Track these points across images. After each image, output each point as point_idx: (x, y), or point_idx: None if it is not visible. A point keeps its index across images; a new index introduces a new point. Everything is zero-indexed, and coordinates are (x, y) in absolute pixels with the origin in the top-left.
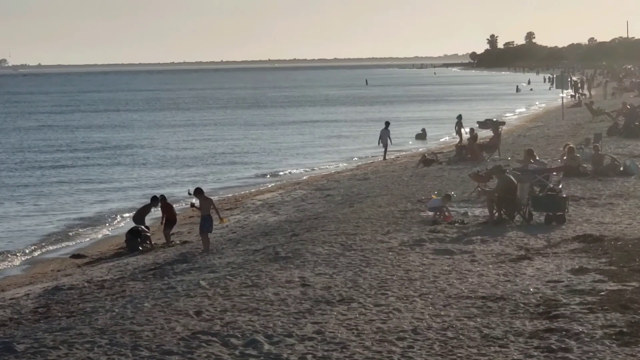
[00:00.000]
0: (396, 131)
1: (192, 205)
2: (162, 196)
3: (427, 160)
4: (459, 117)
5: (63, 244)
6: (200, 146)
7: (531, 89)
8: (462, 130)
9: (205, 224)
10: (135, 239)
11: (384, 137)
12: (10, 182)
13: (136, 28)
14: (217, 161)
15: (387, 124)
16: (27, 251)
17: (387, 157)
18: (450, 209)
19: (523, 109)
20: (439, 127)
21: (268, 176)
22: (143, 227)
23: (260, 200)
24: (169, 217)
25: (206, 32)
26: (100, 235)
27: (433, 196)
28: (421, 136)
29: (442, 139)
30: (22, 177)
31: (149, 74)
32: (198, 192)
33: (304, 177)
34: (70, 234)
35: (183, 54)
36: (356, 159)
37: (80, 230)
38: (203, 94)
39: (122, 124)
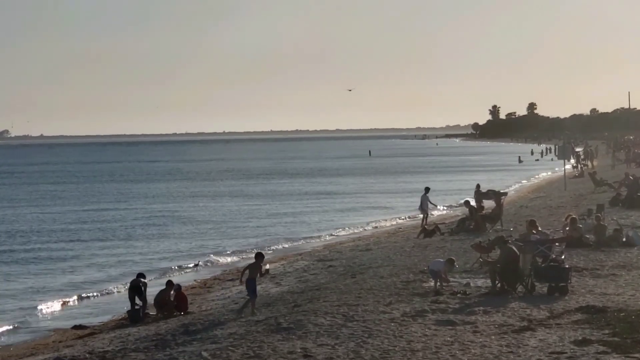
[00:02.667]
0: (399, 202)
1: (267, 271)
2: (178, 285)
3: (428, 231)
4: (478, 187)
5: (64, 315)
6: (201, 217)
7: (537, 159)
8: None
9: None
10: (137, 312)
11: (424, 202)
12: (12, 251)
13: (138, 98)
14: (218, 232)
15: (427, 189)
16: (28, 322)
17: (425, 224)
18: (452, 279)
19: (525, 180)
20: (443, 198)
21: (270, 247)
22: (143, 280)
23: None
24: (182, 308)
25: (208, 103)
26: (101, 306)
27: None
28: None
29: (444, 210)
30: (22, 246)
31: (152, 145)
32: (259, 256)
33: (306, 248)
34: (71, 304)
35: (185, 124)
36: (357, 229)
37: (81, 301)
38: (203, 166)
39: (119, 196)
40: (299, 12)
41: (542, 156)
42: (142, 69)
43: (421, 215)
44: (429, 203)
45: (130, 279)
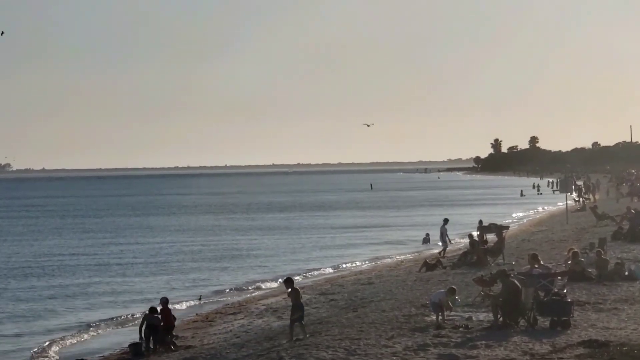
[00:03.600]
0: (401, 236)
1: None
2: (165, 299)
3: (430, 264)
4: (480, 222)
5: (65, 349)
6: (202, 251)
7: (540, 193)
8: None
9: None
10: (139, 346)
11: (444, 234)
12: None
13: (138, 132)
14: (220, 266)
15: (446, 221)
16: (28, 355)
17: (444, 254)
18: (454, 313)
19: (527, 213)
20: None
21: (272, 281)
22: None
23: (264, 305)
24: (167, 323)
25: (210, 136)
26: (102, 340)
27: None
28: (426, 240)
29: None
30: (18, 283)
31: (153, 178)
32: (288, 282)
33: (308, 282)
34: (72, 339)
35: (187, 158)
36: (359, 263)
37: (83, 335)
38: (204, 199)
39: (118, 229)
40: (300, 46)
41: (538, 191)
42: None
43: (441, 246)
44: (447, 236)
45: (130, 312)
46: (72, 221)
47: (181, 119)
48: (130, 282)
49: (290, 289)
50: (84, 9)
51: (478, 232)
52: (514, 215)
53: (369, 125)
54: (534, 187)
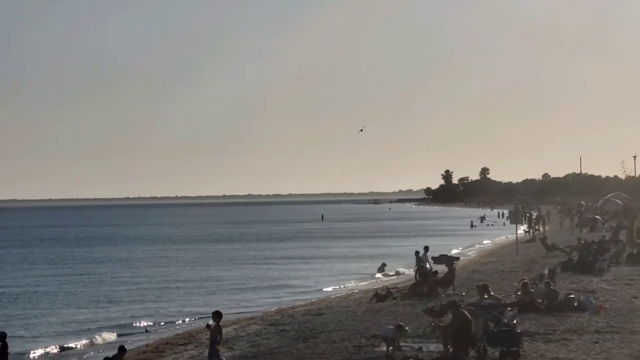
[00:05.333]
0: (351, 266)
1: (208, 326)
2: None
3: (380, 295)
4: (417, 253)
5: None
6: (148, 281)
7: (487, 225)
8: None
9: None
10: None
11: (425, 261)
12: None
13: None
14: (168, 296)
15: (427, 248)
16: None
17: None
18: (404, 344)
19: (477, 244)
20: (394, 263)
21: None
22: None
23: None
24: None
25: (160, 167)
26: None
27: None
28: (380, 270)
29: (395, 275)
30: None
31: (104, 209)
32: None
33: (258, 312)
34: None
35: (138, 189)
36: (309, 293)
37: None
38: (152, 230)
39: (64, 260)
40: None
41: (481, 221)
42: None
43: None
44: (427, 262)
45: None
46: (16, 251)
47: (133, 152)
48: (77, 312)
49: (216, 324)
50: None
51: (415, 263)
52: (464, 246)
53: (362, 130)
54: (482, 219)
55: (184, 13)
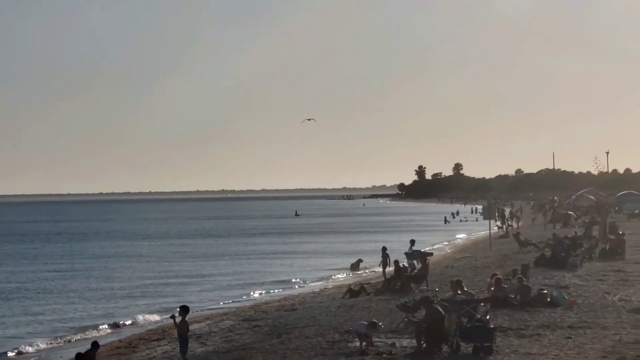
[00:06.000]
0: (325, 262)
1: (173, 317)
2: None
3: (353, 291)
4: (384, 249)
5: None
6: (121, 277)
7: (461, 220)
8: (388, 260)
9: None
10: None
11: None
12: None
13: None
14: (141, 292)
15: (413, 242)
16: None
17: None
18: (377, 339)
19: (451, 240)
20: (369, 259)
21: (195, 306)
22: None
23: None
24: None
25: (134, 163)
26: None
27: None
28: (355, 266)
29: (370, 270)
30: None
31: (78, 205)
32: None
33: (232, 308)
34: None
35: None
36: (283, 289)
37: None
38: (125, 226)
39: (28, 256)
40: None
41: (453, 217)
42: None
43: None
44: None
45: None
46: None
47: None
48: (46, 308)
49: (182, 319)
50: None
51: (381, 259)
52: (437, 241)
53: (309, 120)
54: (453, 215)
55: (161, 8)
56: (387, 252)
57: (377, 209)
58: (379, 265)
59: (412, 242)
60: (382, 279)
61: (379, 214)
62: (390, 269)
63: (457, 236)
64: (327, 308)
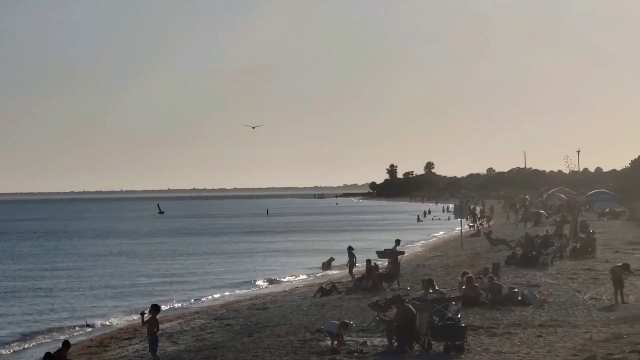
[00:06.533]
0: (297, 261)
1: (142, 313)
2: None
3: (325, 290)
4: (349, 248)
5: None
6: (91, 277)
7: (433, 219)
8: (354, 260)
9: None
10: None
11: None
12: None
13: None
14: (112, 291)
15: (398, 242)
16: None
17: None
18: (349, 338)
19: (423, 239)
20: (340, 257)
21: (167, 305)
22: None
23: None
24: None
25: (105, 161)
26: None
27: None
28: (327, 265)
29: (342, 269)
30: None
31: (46, 203)
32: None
33: (203, 307)
34: None
35: (83, 183)
36: (254, 288)
37: None
38: (95, 224)
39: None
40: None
41: (425, 216)
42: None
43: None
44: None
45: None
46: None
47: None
48: (15, 307)
49: (152, 317)
50: None
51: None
52: (409, 240)
53: (253, 127)
54: (425, 214)
55: (134, 7)
56: (353, 251)
57: (349, 208)
58: (346, 265)
59: (397, 242)
60: (354, 277)
61: (351, 212)
62: (358, 268)
63: (429, 235)
64: (299, 307)
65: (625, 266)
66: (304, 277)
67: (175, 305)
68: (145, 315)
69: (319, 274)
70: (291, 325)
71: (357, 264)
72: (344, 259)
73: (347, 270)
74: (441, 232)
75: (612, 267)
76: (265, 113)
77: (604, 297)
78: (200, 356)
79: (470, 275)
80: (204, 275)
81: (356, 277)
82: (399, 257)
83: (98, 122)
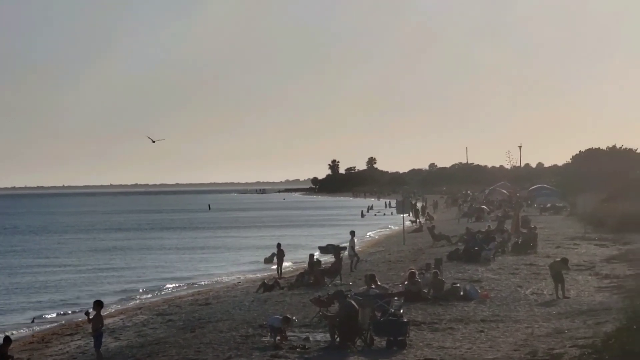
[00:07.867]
0: (239, 256)
1: (87, 313)
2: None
3: (267, 285)
4: (279, 245)
5: None
6: (29, 271)
7: (375, 214)
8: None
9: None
10: None
11: (353, 248)
12: None
13: None
14: (53, 286)
15: (353, 233)
16: None
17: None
18: (291, 333)
19: (366, 234)
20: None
21: (107, 301)
22: None
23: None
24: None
25: (46, 156)
26: None
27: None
28: (269, 260)
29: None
30: None
31: None
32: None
33: (145, 302)
34: None
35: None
36: (196, 283)
37: None
38: (32, 220)
39: None
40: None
41: (368, 211)
42: None
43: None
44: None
45: None
46: None
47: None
48: None
49: (96, 313)
50: None
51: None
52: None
53: (154, 141)
54: (368, 209)
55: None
56: (281, 248)
57: (292, 203)
58: (274, 261)
59: (352, 233)
60: (296, 273)
61: (293, 207)
62: (287, 264)
63: (372, 230)
64: (241, 302)
65: (564, 261)
66: (246, 272)
67: (118, 300)
68: (90, 312)
69: (261, 269)
70: (233, 320)
71: (286, 262)
72: (286, 254)
73: (277, 268)
74: (383, 228)
75: (551, 263)
76: (206, 109)
77: (545, 292)
78: (143, 352)
79: (412, 270)
80: (145, 270)
81: (298, 272)
82: (342, 252)
83: (40, 118)
